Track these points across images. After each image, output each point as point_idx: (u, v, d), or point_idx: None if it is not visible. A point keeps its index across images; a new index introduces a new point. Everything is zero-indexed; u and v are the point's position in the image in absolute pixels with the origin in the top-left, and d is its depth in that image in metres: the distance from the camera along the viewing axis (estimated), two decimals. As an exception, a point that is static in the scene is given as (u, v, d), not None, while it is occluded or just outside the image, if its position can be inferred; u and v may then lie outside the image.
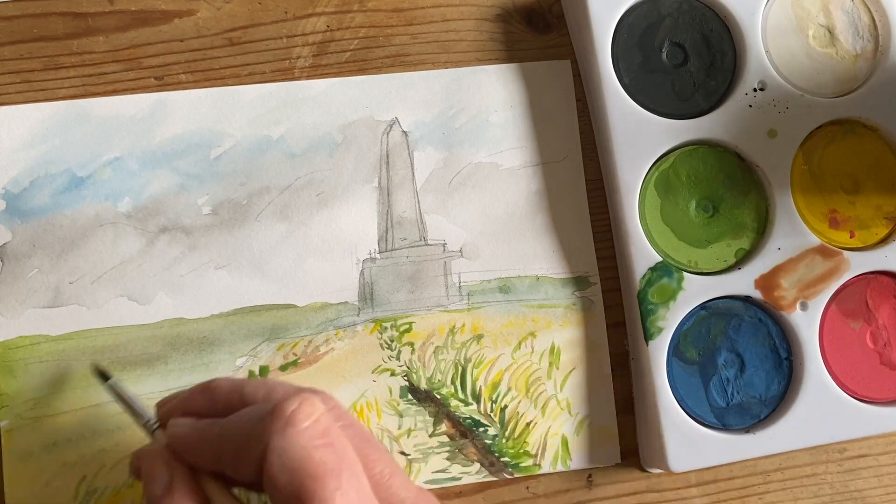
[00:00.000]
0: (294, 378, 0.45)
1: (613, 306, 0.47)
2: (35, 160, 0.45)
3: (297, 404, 0.31)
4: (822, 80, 0.48)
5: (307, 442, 0.31)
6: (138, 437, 0.43)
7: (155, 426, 0.38)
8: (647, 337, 0.45)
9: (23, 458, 0.43)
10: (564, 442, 0.46)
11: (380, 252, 0.46)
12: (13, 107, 0.45)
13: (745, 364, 0.46)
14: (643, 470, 0.47)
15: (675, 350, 0.46)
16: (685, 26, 0.48)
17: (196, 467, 0.35)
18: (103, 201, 0.45)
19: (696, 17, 0.48)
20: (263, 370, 0.45)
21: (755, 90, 0.47)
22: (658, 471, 0.46)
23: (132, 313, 0.45)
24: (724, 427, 0.46)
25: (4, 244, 0.44)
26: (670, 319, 0.46)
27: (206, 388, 0.37)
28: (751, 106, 0.47)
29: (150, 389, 0.44)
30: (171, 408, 0.37)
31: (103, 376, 0.41)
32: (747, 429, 0.46)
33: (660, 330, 0.45)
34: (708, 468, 0.47)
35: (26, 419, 0.43)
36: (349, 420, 0.35)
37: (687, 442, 0.45)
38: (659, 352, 0.45)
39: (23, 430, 0.43)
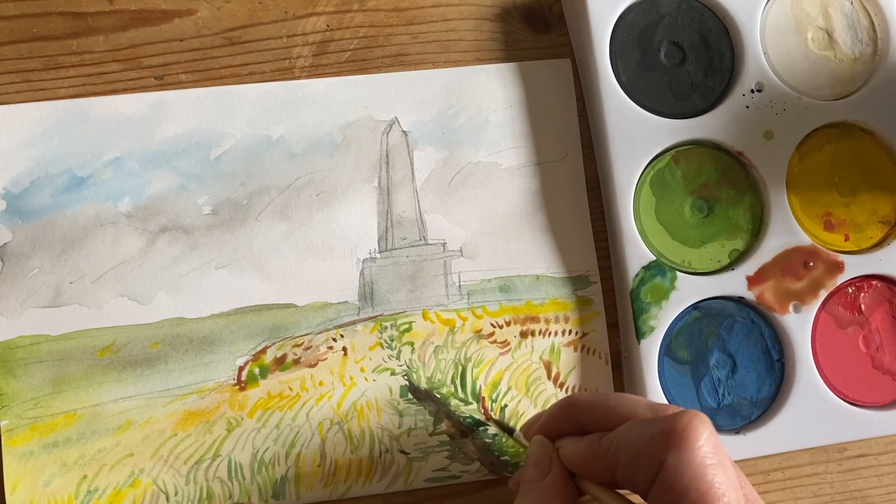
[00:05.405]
0: (294, 377, 0.45)
1: (614, 306, 0.47)
2: (35, 160, 0.45)
3: (688, 421, 0.32)
4: (819, 83, 0.48)
5: (701, 461, 0.31)
6: (139, 437, 0.43)
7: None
8: (639, 335, 0.46)
9: (23, 457, 0.43)
10: (564, 441, 0.46)
11: (380, 251, 0.46)
12: (13, 106, 0.45)
13: (737, 365, 0.46)
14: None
15: (666, 349, 0.46)
16: (684, 26, 0.48)
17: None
18: (103, 201, 0.45)
19: (694, 17, 0.48)
20: (264, 370, 0.45)
21: (753, 91, 0.47)
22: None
23: (132, 313, 0.45)
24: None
25: (5, 244, 0.44)
26: (662, 319, 0.46)
27: (566, 406, 0.38)
28: (748, 107, 0.47)
29: (150, 389, 0.44)
30: (537, 429, 0.39)
31: (508, 430, 0.44)
32: (737, 430, 0.46)
33: (651, 329, 0.46)
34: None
35: (26, 419, 0.43)
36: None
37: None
38: (650, 351, 0.45)
39: (23, 429, 0.43)
